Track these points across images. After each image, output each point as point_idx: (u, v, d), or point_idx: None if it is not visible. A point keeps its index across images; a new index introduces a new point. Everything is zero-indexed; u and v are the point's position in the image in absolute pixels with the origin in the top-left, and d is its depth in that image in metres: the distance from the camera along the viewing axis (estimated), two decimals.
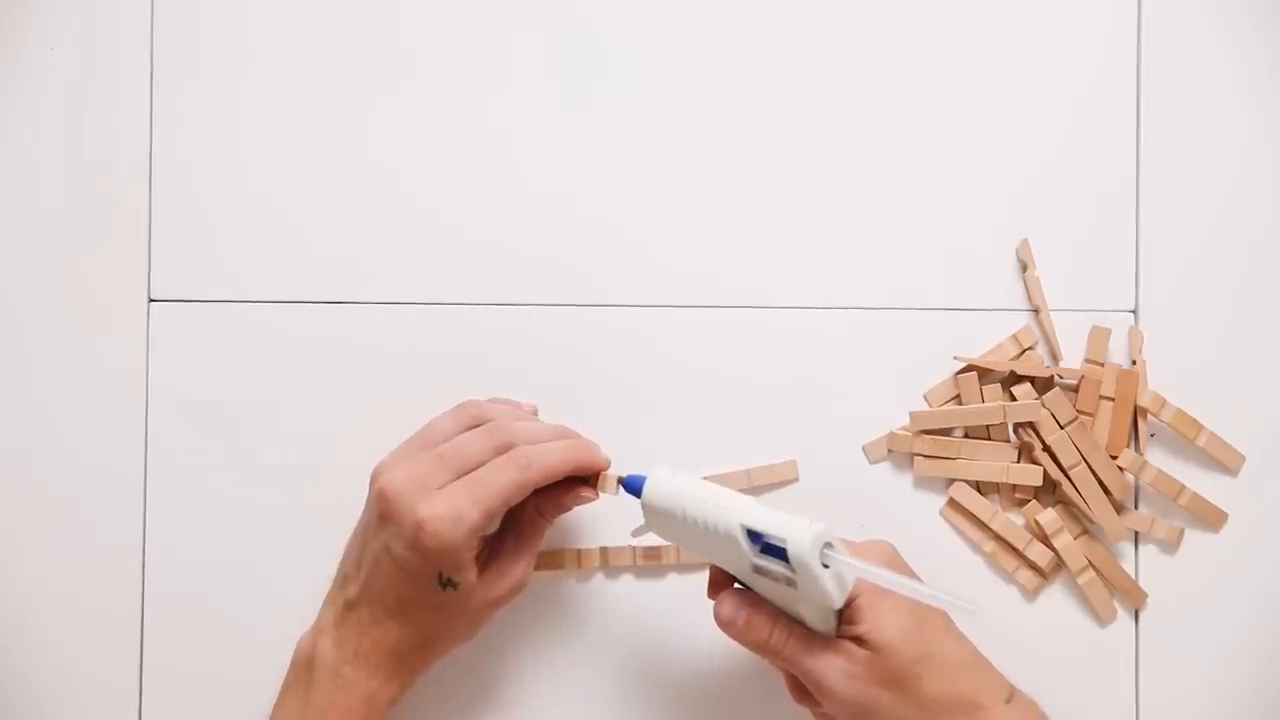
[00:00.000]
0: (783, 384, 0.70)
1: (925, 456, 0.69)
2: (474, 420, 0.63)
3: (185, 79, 0.69)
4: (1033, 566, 0.69)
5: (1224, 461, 0.70)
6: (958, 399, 0.70)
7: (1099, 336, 0.70)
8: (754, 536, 0.58)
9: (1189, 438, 0.69)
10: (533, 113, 0.70)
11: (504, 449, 0.61)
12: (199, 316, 0.69)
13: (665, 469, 0.61)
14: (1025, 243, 0.70)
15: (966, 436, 0.70)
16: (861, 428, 0.70)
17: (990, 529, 0.69)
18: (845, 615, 0.60)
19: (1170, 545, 0.70)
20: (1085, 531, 0.70)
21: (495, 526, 0.63)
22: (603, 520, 0.69)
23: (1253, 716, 0.70)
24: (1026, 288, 0.70)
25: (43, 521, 0.68)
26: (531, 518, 0.64)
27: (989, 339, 0.70)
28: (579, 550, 0.69)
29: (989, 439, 0.70)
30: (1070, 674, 0.69)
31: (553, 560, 0.69)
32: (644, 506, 0.61)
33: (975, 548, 0.70)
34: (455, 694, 0.69)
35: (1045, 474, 0.69)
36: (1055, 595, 0.70)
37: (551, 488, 0.62)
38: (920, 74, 0.70)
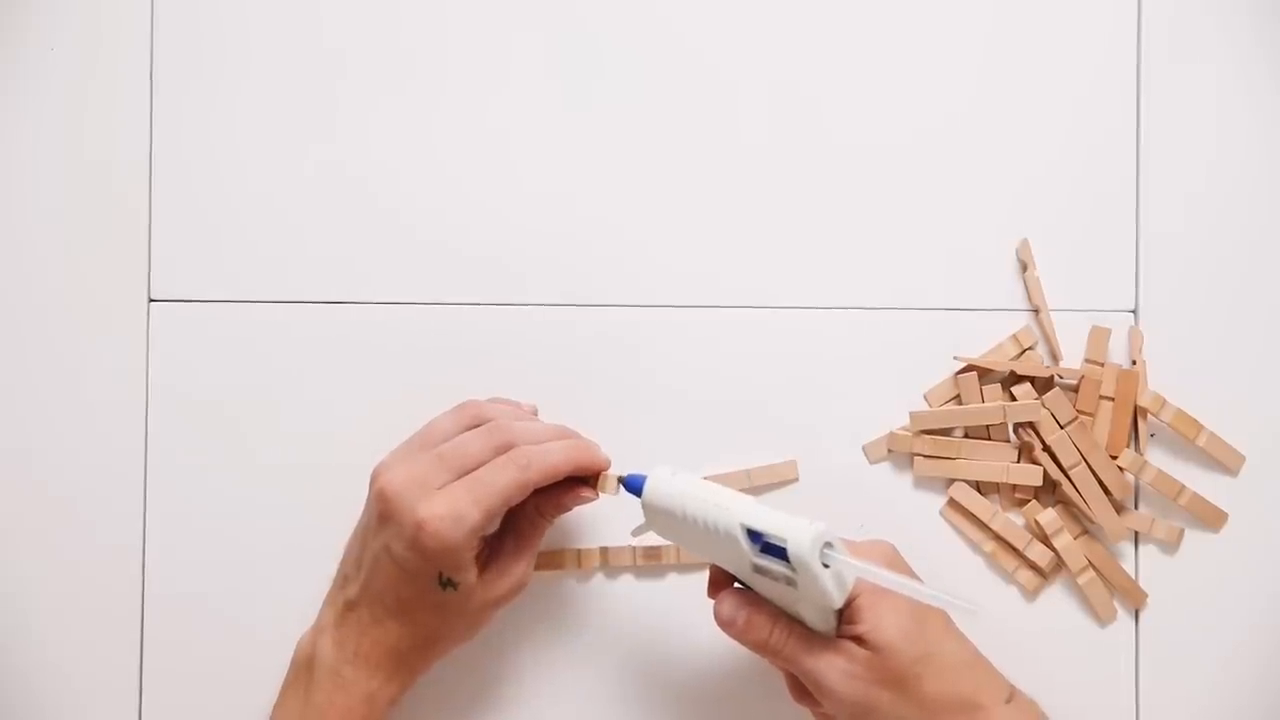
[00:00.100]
0: (783, 384, 0.70)
1: (925, 456, 0.69)
2: (474, 420, 0.63)
3: (185, 79, 0.69)
4: (1033, 566, 0.69)
5: (1224, 461, 0.70)
6: (958, 399, 0.70)
7: (1099, 336, 0.70)
8: (754, 536, 0.58)
9: (1189, 438, 0.69)
10: (533, 113, 0.70)
11: (504, 449, 0.61)
12: (199, 316, 0.69)
13: (665, 469, 0.61)
14: (1025, 243, 0.70)
15: (966, 436, 0.70)
16: (861, 428, 0.70)
17: (990, 529, 0.69)
18: (845, 615, 0.60)
19: (1170, 545, 0.70)
20: (1085, 531, 0.70)
21: (495, 527, 0.63)
22: (603, 520, 0.69)
23: (1253, 716, 0.70)
24: (1026, 288, 0.70)
25: (43, 521, 0.68)
26: (531, 518, 0.64)
27: (989, 339, 0.70)
28: (579, 550, 0.69)
29: (989, 439, 0.70)
30: (1070, 674, 0.69)
31: (553, 560, 0.69)
32: (644, 506, 0.61)
33: (975, 548, 0.70)
34: (455, 694, 0.69)
35: (1045, 474, 0.69)
36: (1055, 595, 0.70)
37: (551, 488, 0.62)
38: (920, 74, 0.70)
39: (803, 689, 0.62)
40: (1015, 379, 0.69)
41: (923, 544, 0.68)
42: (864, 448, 0.70)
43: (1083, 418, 0.69)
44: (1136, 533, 0.70)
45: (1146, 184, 0.70)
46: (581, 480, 0.63)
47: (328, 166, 0.69)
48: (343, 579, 0.64)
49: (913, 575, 0.63)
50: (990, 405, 0.69)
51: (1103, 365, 0.69)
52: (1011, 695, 0.62)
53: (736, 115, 0.70)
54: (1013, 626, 0.69)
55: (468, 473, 0.61)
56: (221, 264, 0.69)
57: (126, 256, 0.69)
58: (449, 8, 0.70)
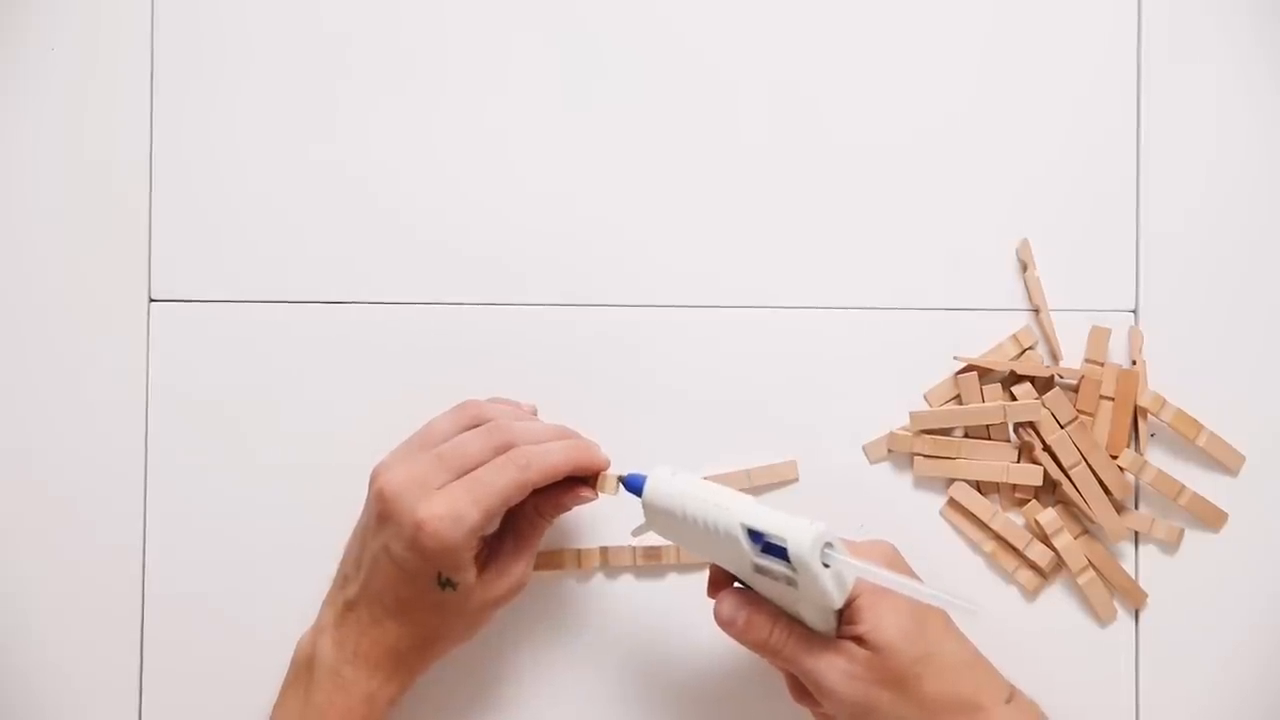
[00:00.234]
0: (783, 384, 0.70)
1: (925, 456, 0.69)
2: (473, 420, 0.63)
3: (185, 79, 0.69)
4: (1033, 566, 0.69)
5: (1224, 461, 0.70)
6: (958, 399, 0.70)
7: (1099, 336, 0.70)
8: (755, 536, 0.58)
9: (1189, 438, 0.69)
10: (533, 113, 0.70)
11: (503, 449, 0.61)
12: (199, 316, 0.69)
13: (666, 469, 0.61)
14: (1025, 243, 0.70)
15: (966, 436, 0.70)
16: (861, 428, 0.70)
17: (990, 529, 0.69)
18: (845, 615, 0.60)
19: (1170, 545, 0.70)
20: (1085, 531, 0.70)
21: (495, 527, 0.63)
22: (603, 520, 0.69)
23: (1253, 716, 0.70)
24: (1026, 288, 0.70)
25: (43, 521, 0.68)
26: (531, 518, 0.64)
27: (989, 339, 0.70)
28: (579, 550, 0.69)
29: (989, 439, 0.70)
30: (1070, 674, 0.69)
31: (553, 560, 0.69)
32: (644, 506, 0.61)
33: (975, 548, 0.70)
34: (455, 694, 0.69)
35: (1045, 474, 0.69)
36: (1055, 595, 0.70)
37: (551, 488, 0.62)
38: (920, 74, 0.70)
39: (802, 689, 0.62)
40: (1015, 379, 0.69)
41: (923, 544, 0.68)
42: (864, 448, 0.70)
43: (1083, 418, 0.69)
44: (1136, 533, 0.70)
45: (1146, 184, 0.70)
46: (581, 480, 0.63)
47: (328, 166, 0.69)
48: (342, 579, 0.64)
49: (913, 575, 0.63)
50: (990, 405, 0.69)
51: (1103, 365, 0.69)
52: (1012, 695, 0.62)
53: (736, 115, 0.70)
54: (1013, 626, 0.69)
55: (467, 473, 0.61)
56: (221, 264, 0.69)
57: (126, 256, 0.69)
58: (449, 8, 0.70)
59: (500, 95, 0.70)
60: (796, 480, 0.69)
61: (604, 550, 0.69)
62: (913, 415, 0.69)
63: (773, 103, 0.70)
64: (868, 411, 0.70)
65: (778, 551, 0.57)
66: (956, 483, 0.70)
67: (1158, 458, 0.70)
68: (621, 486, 0.62)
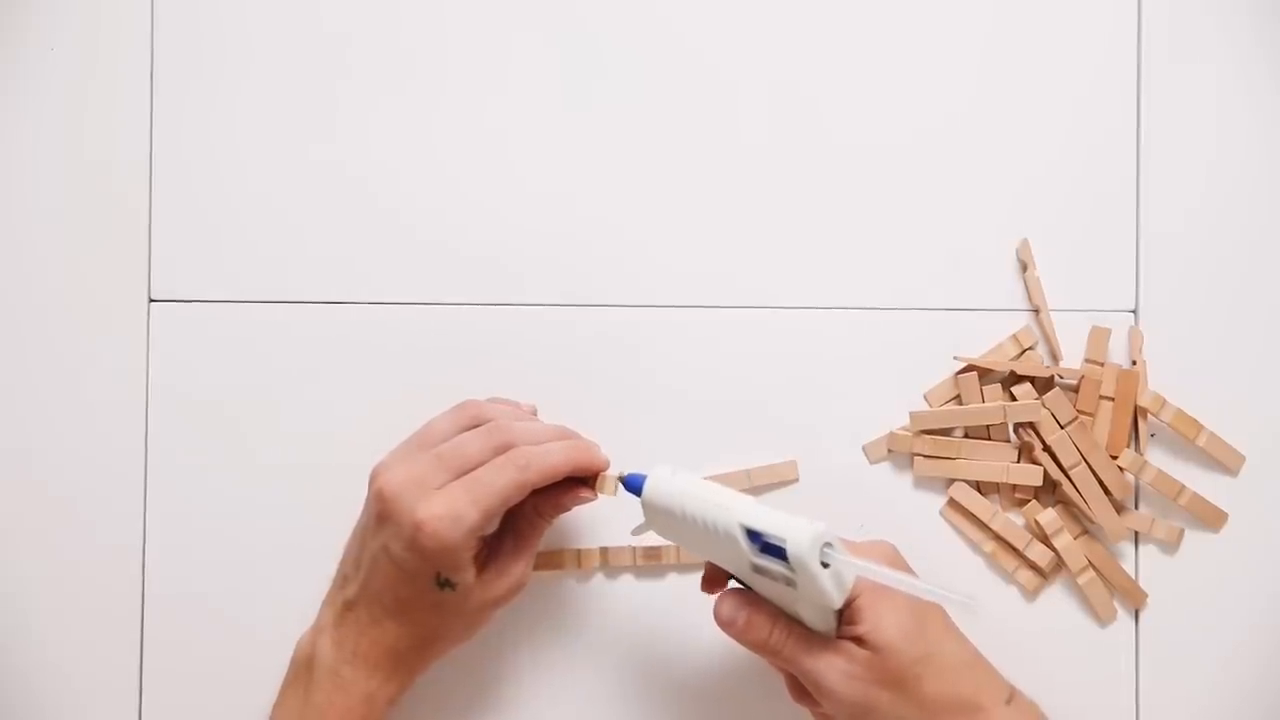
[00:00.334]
0: (783, 384, 0.70)
1: (925, 456, 0.69)
2: (473, 420, 0.63)
3: (185, 79, 0.69)
4: (1033, 566, 0.69)
5: (1224, 461, 0.70)
6: (958, 399, 0.70)
7: (1099, 336, 0.70)
8: (753, 536, 0.58)
9: (1189, 438, 0.69)
10: (533, 113, 0.70)
11: (503, 449, 0.61)
12: (199, 316, 0.69)
13: (665, 468, 0.61)
14: (1025, 243, 0.70)
15: (966, 436, 0.70)
16: (861, 428, 0.70)
17: (990, 529, 0.69)
18: (845, 615, 0.60)
19: (1170, 545, 0.70)
20: (1085, 531, 0.70)
21: (494, 527, 0.63)
22: (603, 520, 0.69)
23: (1253, 716, 0.70)
24: (1026, 288, 0.70)
25: (43, 521, 0.68)
26: (530, 518, 0.64)
27: (989, 339, 0.70)
28: (579, 550, 0.69)
29: (989, 439, 0.70)
30: (1070, 674, 0.69)
31: (552, 560, 0.69)
32: (644, 505, 0.61)
33: (975, 548, 0.70)
34: (455, 694, 0.69)
35: (1045, 474, 0.69)
36: (1055, 595, 0.70)
37: (550, 488, 0.62)
38: (920, 74, 0.70)
39: (802, 689, 0.62)
40: (1015, 379, 0.69)
41: (923, 544, 0.68)
42: (864, 448, 0.70)
43: (1083, 418, 0.69)
44: (1136, 533, 0.70)
45: (1146, 184, 0.70)
46: (581, 481, 0.63)
47: (328, 166, 0.69)
48: (342, 579, 0.64)
49: (913, 575, 0.63)
50: (990, 405, 0.69)
51: (1103, 365, 0.69)
52: (1012, 696, 0.62)
53: (736, 115, 0.70)
54: (1013, 626, 0.69)
55: (466, 473, 0.61)
56: (221, 264, 0.69)
57: (126, 256, 0.69)
58: (449, 8, 0.70)
59: (500, 95, 0.70)
60: (796, 480, 0.69)
61: (604, 550, 0.69)
62: (913, 415, 0.69)
63: (773, 103, 0.70)
64: (868, 411, 0.70)
65: (776, 551, 0.57)
66: (956, 483, 0.70)
67: (1158, 458, 0.70)
68: (620, 487, 0.62)
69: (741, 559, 0.58)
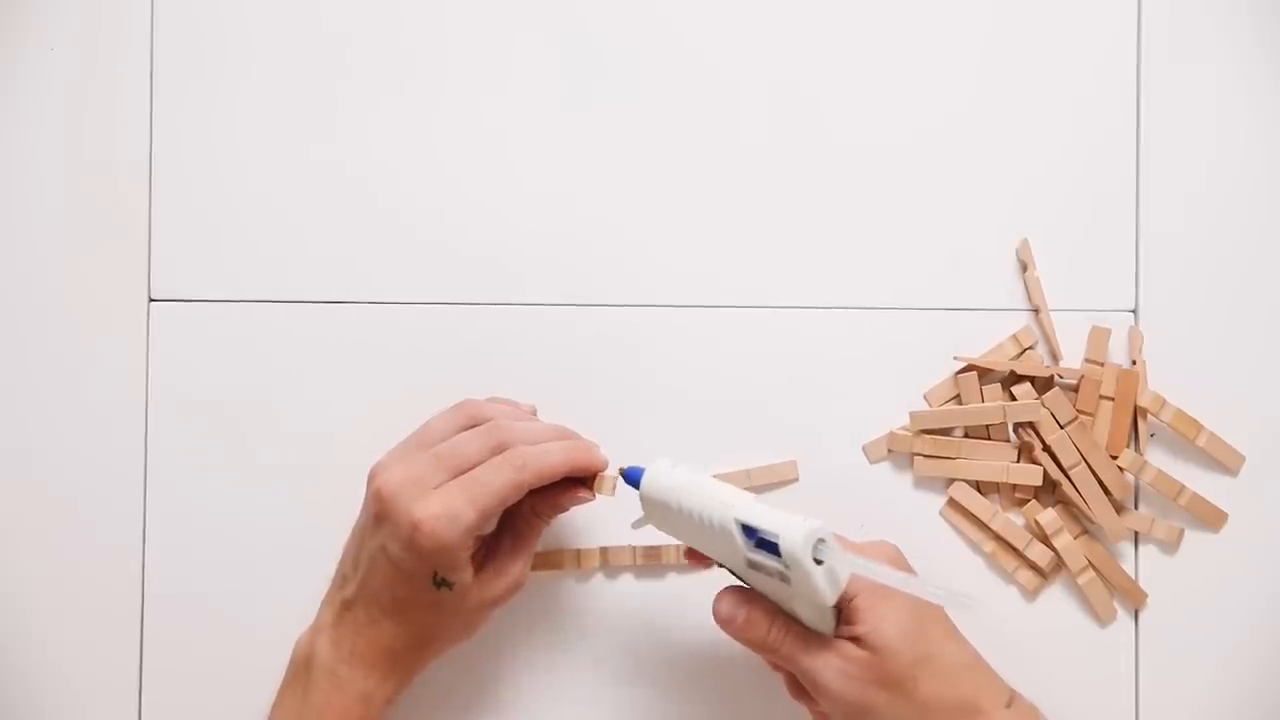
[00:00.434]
0: (783, 384, 0.70)
1: (925, 456, 0.69)
2: (471, 420, 0.63)
3: (185, 79, 0.69)
4: (1033, 566, 0.69)
5: (1224, 461, 0.70)
6: (958, 399, 0.70)
7: (1099, 336, 0.70)
8: (749, 531, 0.58)
9: (1189, 438, 0.69)
10: (533, 113, 0.70)
11: (501, 449, 0.61)
12: (199, 316, 0.69)
13: (665, 461, 0.61)
14: (1025, 243, 0.70)
15: (966, 436, 0.70)
16: (861, 428, 0.70)
17: (990, 529, 0.69)
18: (844, 615, 0.60)
19: (1170, 545, 0.70)
20: (1085, 531, 0.70)
21: (492, 527, 0.63)
22: (602, 520, 0.69)
23: (1253, 716, 0.70)
24: (1026, 288, 0.70)
25: (43, 521, 0.68)
26: (528, 518, 0.64)
27: (989, 339, 0.70)
28: (579, 550, 0.69)
29: (989, 439, 0.70)
30: (1070, 674, 0.69)
31: (552, 560, 0.69)
32: (642, 498, 0.61)
33: (975, 548, 0.70)
34: (455, 694, 0.69)
35: (1045, 474, 0.69)
36: (1055, 595, 0.70)
37: (549, 488, 0.62)
38: (920, 74, 0.70)
39: (800, 687, 0.62)
40: (1015, 379, 0.69)
41: (923, 544, 0.68)
42: (864, 448, 0.70)
43: (1083, 418, 0.69)
44: (1136, 533, 0.70)
45: (1146, 184, 0.70)
46: (579, 481, 0.63)
47: (328, 166, 0.69)
48: (340, 579, 0.64)
49: (913, 575, 0.63)
50: (990, 405, 0.69)
51: (1103, 365, 0.69)
52: (1012, 699, 0.61)
53: (736, 115, 0.70)
54: (1013, 626, 0.69)
55: (464, 472, 0.61)
56: (221, 264, 0.69)
57: (126, 256, 0.69)
58: (449, 8, 0.70)
59: (500, 95, 0.70)
60: (796, 480, 0.69)
61: (604, 550, 0.69)
62: (913, 415, 0.69)
63: (773, 103, 0.70)
64: (868, 411, 0.70)
65: (771, 547, 0.57)
66: (956, 483, 0.70)
67: (1158, 458, 0.70)
68: (619, 487, 0.62)
69: (737, 554, 0.58)
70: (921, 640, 0.60)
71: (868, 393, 0.70)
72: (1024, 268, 0.70)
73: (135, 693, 0.69)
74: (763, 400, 0.70)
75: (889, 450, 0.70)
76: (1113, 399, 0.69)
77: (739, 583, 0.62)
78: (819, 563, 0.56)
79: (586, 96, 0.70)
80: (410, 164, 0.69)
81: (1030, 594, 0.70)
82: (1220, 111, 0.70)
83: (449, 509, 0.59)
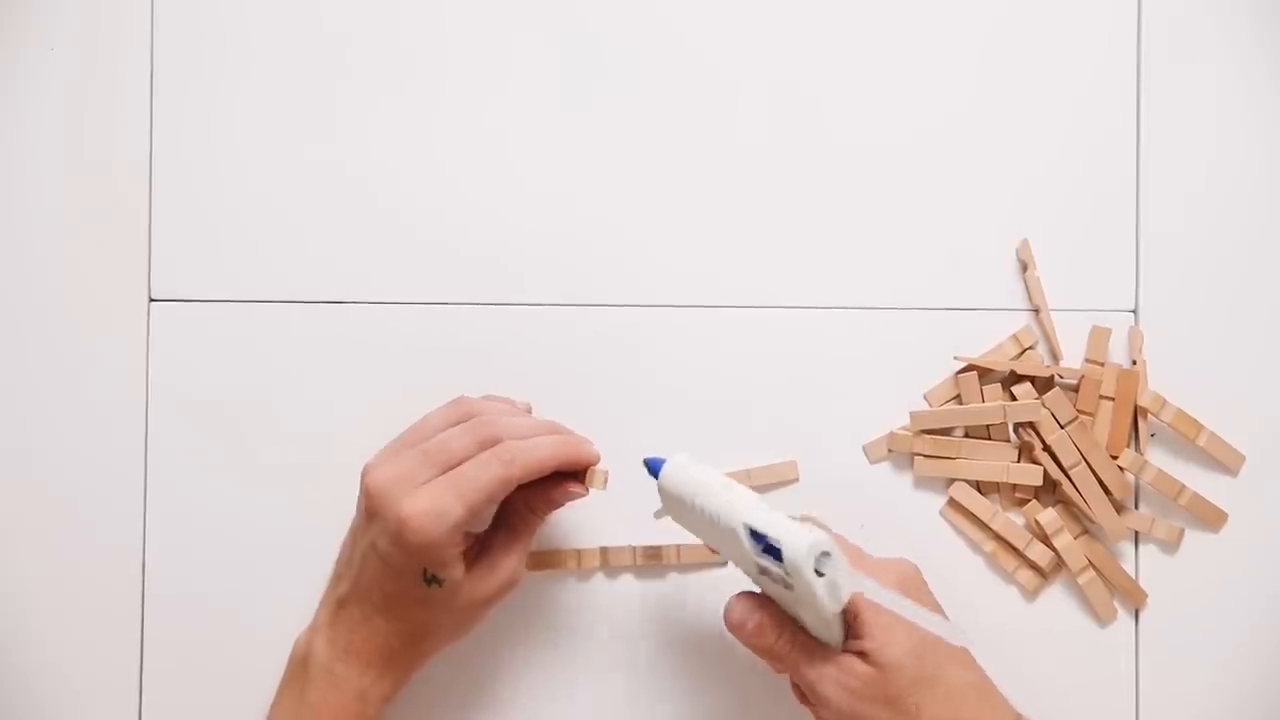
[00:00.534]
0: (783, 384, 0.70)
1: (925, 456, 0.69)
2: (463, 417, 0.63)
3: (185, 79, 0.69)
4: (1033, 566, 0.69)
5: (1224, 461, 0.70)
6: (958, 399, 0.70)
7: (1099, 336, 0.70)
8: (756, 536, 0.58)
9: (1189, 438, 0.69)
10: (533, 113, 0.70)
11: (489, 444, 0.61)
12: (199, 316, 0.69)
13: (684, 456, 0.61)
14: (1025, 243, 0.70)
15: (967, 436, 0.70)
16: (861, 428, 0.70)
17: (990, 529, 0.69)
18: (853, 629, 0.60)
19: (1170, 545, 0.70)
20: (1085, 531, 0.70)
21: (485, 524, 0.63)
22: (602, 520, 0.69)
23: (1253, 716, 0.70)
24: (1026, 288, 0.70)
25: (43, 521, 0.68)
26: (522, 514, 0.64)
27: (989, 339, 0.70)
28: (579, 550, 0.69)
29: (989, 439, 0.70)
30: (1070, 674, 0.69)
31: (552, 560, 0.69)
32: (660, 490, 0.61)
33: (975, 548, 0.70)
34: (454, 694, 0.69)
35: (1045, 474, 0.69)
36: (1055, 595, 0.70)
37: (541, 483, 0.62)
38: (920, 74, 0.70)
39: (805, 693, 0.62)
40: (1015, 379, 0.69)
41: (923, 544, 0.69)
42: (864, 448, 0.70)
43: (1083, 417, 0.69)
44: (1136, 533, 0.70)
45: (1146, 184, 0.70)
46: (571, 475, 0.63)
47: (328, 166, 0.69)
48: (336, 578, 0.64)
49: (930, 597, 0.63)
50: (990, 405, 0.69)
51: (1103, 365, 0.69)
52: None
53: (736, 115, 0.70)
54: (1013, 626, 0.69)
55: (453, 468, 0.61)
56: (221, 264, 0.69)
57: (126, 256, 0.69)
58: (449, 8, 0.70)
59: (500, 95, 0.70)
60: (796, 480, 0.69)
61: (604, 550, 0.69)
62: (913, 415, 0.69)
63: (773, 103, 0.70)
64: (868, 411, 0.70)
65: (777, 554, 0.57)
66: (956, 483, 0.70)
67: (1158, 458, 0.70)
68: (609, 482, 0.62)
69: (747, 557, 0.58)
70: (928, 661, 0.59)
71: (868, 393, 0.70)
72: (1024, 268, 0.70)
73: (135, 693, 0.69)
74: (763, 400, 0.70)
75: (889, 450, 0.70)
76: (1113, 399, 0.69)
77: (752, 586, 0.62)
78: (820, 575, 0.56)
79: (586, 96, 0.70)
80: (410, 164, 0.69)
81: (1030, 594, 0.70)
82: (1220, 111, 0.70)
83: (436, 505, 0.59)
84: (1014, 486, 0.69)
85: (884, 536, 0.68)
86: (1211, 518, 0.70)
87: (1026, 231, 0.70)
